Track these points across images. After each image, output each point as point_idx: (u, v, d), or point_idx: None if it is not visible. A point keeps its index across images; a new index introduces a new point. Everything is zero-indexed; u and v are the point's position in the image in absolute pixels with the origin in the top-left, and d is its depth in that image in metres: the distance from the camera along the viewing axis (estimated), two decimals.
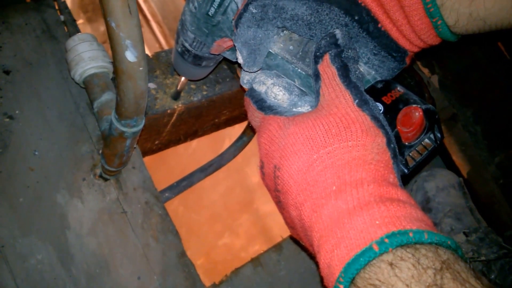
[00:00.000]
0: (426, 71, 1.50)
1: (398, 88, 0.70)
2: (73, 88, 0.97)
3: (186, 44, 0.82)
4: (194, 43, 0.81)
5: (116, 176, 0.93)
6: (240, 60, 0.72)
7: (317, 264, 0.55)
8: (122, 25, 0.57)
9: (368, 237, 0.49)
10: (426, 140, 0.70)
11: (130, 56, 0.60)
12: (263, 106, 0.70)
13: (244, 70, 0.76)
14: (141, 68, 0.62)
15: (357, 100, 0.59)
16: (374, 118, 0.59)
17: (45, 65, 0.97)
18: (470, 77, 1.39)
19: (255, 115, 0.71)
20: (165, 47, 2.21)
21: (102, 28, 2.41)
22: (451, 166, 1.46)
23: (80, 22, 2.46)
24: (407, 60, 0.71)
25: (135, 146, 0.86)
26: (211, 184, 2.44)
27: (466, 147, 1.43)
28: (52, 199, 0.87)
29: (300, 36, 0.70)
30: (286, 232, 1.13)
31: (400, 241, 0.47)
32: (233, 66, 1.17)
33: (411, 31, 0.66)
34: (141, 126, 0.75)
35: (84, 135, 0.94)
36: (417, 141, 0.68)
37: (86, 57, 0.89)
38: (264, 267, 1.03)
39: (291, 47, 0.72)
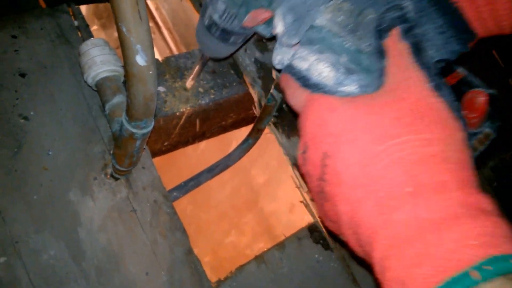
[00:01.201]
0: None
1: (460, 70, 0.63)
2: (86, 91, 0.97)
3: (215, 17, 0.74)
4: (225, 15, 0.72)
5: (126, 175, 0.93)
6: (281, 28, 0.62)
7: (369, 265, 0.50)
8: (133, 30, 0.57)
9: (462, 260, 0.41)
10: (488, 129, 0.62)
11: (140, 60, 0.60)
12: (309, 83, 0.60)
13: (278, 47, 0.67)
14: (150, 72, 0.62)
15: (433, 84, 0.50)
16: (452, 107, 0.50)
17: (59, 68, 0.97)
18: None
19: (297, 93, 0.61)
20: (175, 52, 2.21)
21: (116, 34, 2.41)
22: None
23: (94, 28, 2.47)
24: (470, 46, 0.60)
25: (144, 147, 0.86)
26: (218, 184, 2.44)
27: None
28: (64, 197, 0.87)
29: (353, 5, 0.60)
30: (288, 231, 1.13)
31: (503, 268, 0.39)
32: (240, 71, 1.17)
33: (490, 14, 0.56)
34: (150, 128, 0.74)
35: (96, 136, 0.94)
36: (479, 129, 0.61)
37: (99, 61, 0.89)
38: (267, 264, 1.02)
39: (340, 18, 0.61)
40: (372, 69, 0.58)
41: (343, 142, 0.51)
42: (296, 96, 0.61)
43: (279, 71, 0.92)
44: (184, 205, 2.51)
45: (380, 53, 0.55)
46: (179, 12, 2.19)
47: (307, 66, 0.61)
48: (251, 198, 2.40)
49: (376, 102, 0.51)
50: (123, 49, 0.59)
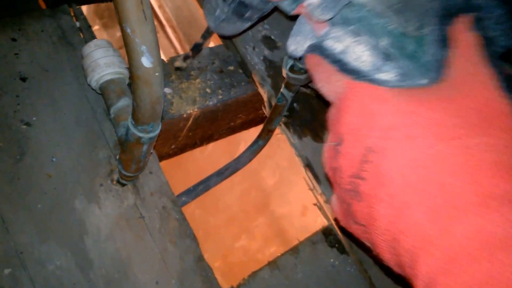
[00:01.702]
0: None
1: (507, 66, 0.60)
2: (89, 94, 0.97)
3: None
4: None
5: (133, 181, 0.93)
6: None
7: (407, 281, 0.46)
8: (138, 31, 0.56)
9: None
10: None
11: (146, 61, 0.59)
12: (347, 68, 0.54)
13: (302, 23, 0.61)
14: (157, 74, 0.62)
15: (502, 84, 0.46)
16: None
17: (61, 71, 0.97)
18: None
19: (333, 78, 0.55)
20: (180, 52, 2.21)
21: (118, 34, 2.42)
22: None
23: (96, 28, 2.48)
24: None
25: (152, 151, 0.86)
26: (227, 187, 2.44)
27: None
28: (70, 205, 0.87)
29: None
30: (301, 235, 1.13)
31: None
32: (248, 69, 1.17)
33: None
34: (157, 132, 0.74)
35: (101, 141, 0.94)
36: None
37: (102, 63, 0.89)
38: (281, 270, 1.02)
39: None
40: (418, 56, 0.54)
41: (395, 138, 0.46)
42: (331, 82, 0.55)
43: (293, 59, 0.90)
44: (192, 209, 2.52)
45: (443, 41, 0.50)
46: (183, 10, 2.19)
47: (343, 48, 0.55)
48: (261, 201, 2.40)
49: (438, 97, 0.46)
50: (127, 50, 0.59)
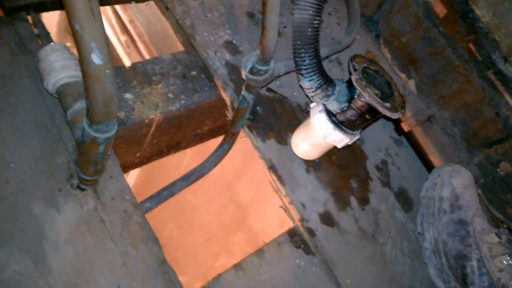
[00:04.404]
0: (403, 76, 1.52)
1: None
2: (47, 100, 0.98)
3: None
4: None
5: (93, 185, 0.94)
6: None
7: None
8: (86, 27, 0.58)
9: None
10: None
11: (95, 58, 0.61)
12: None
13: None
14: (107, 71, 0.63)
15: None
16: None
17: (19, 77, 0.99)
18: (444, 79, 1.41)
19: None
20: None
21: None
22: (428, 166, 1.47)
23: (67, 45, 2.49)
24: None
25: (109, 153, 0.87)
26: (204, 203, 2.45)
27: (443, 148, 1.44)
28: (28, 211, 0.88)
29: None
30: (268, 237, 1.14)
31: None
32: (210, 74, 1.19)
33: None
34: (113, 132, 0.76)
35: (59, 146, 0.95)
36: None
37: (58, 66, 0.91)
38: (246, 272, 1.04)
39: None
40: None
41: None
42: None
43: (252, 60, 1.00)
44: (169, 230, 2.51)
45: None
46: (155, 24, 2.20)
47: None
48: (239, 216, 2.41)
49: None
50: (78, 48, 0.61)
